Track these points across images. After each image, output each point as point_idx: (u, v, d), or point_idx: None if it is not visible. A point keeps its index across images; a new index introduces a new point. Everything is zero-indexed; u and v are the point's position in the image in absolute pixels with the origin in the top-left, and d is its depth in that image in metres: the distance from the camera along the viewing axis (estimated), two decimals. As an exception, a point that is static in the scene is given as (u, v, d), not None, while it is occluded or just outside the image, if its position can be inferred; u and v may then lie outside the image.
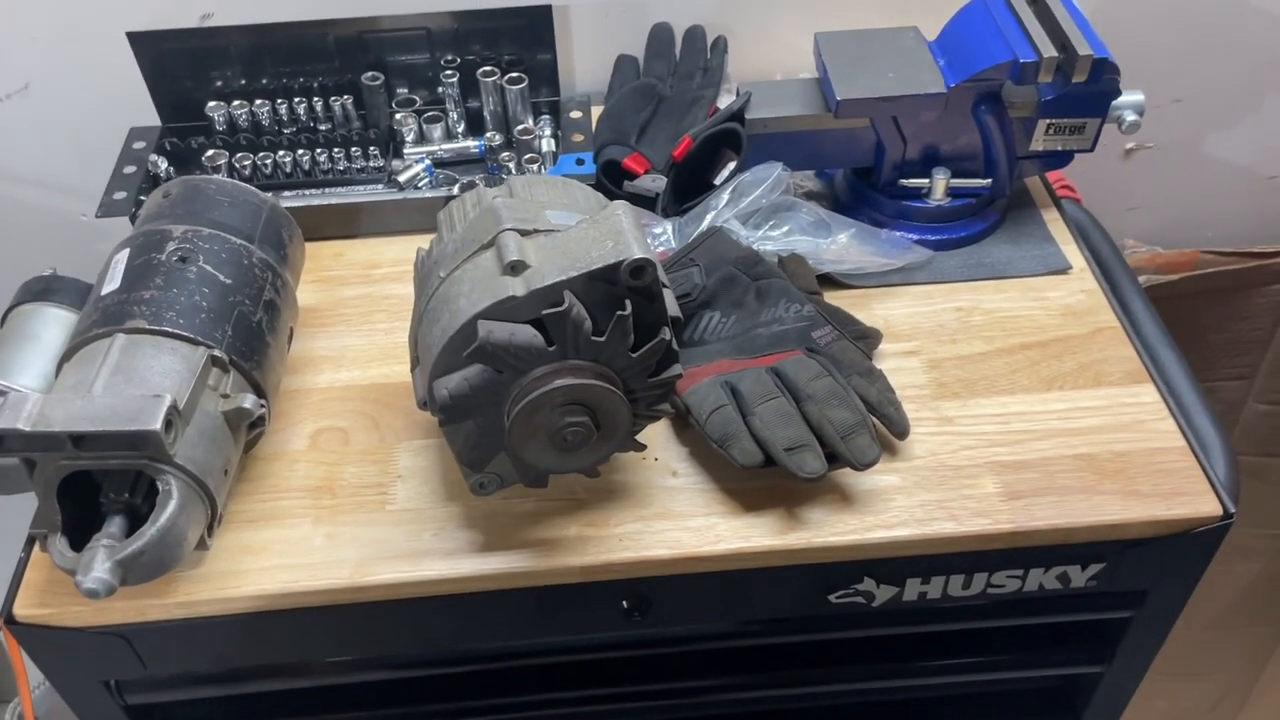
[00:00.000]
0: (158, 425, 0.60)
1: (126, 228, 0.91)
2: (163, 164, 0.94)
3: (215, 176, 0.77)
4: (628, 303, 0.63)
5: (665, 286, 0.69)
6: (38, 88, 1.05)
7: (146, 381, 0.63)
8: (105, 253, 1.05)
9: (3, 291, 1.02)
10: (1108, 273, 0.90)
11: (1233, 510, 0.70)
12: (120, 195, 0.91)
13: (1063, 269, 0.87)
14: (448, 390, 0.63)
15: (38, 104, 1.06)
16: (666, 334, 0.65)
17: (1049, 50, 0.79)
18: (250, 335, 0.70)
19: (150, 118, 1.00)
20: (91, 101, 1.05)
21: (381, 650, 0.74)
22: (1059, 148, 0.88)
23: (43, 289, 0.74)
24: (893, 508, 0.71)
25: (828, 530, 0.69)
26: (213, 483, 0.64)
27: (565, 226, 0.66)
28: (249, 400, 0.67)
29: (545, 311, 0.61)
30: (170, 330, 0.66)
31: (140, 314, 0.66)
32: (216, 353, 0.67)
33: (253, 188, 0.78)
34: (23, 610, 0.67)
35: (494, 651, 0.76)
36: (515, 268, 0.63)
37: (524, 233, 0.65)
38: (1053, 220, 0.92)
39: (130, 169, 0.94)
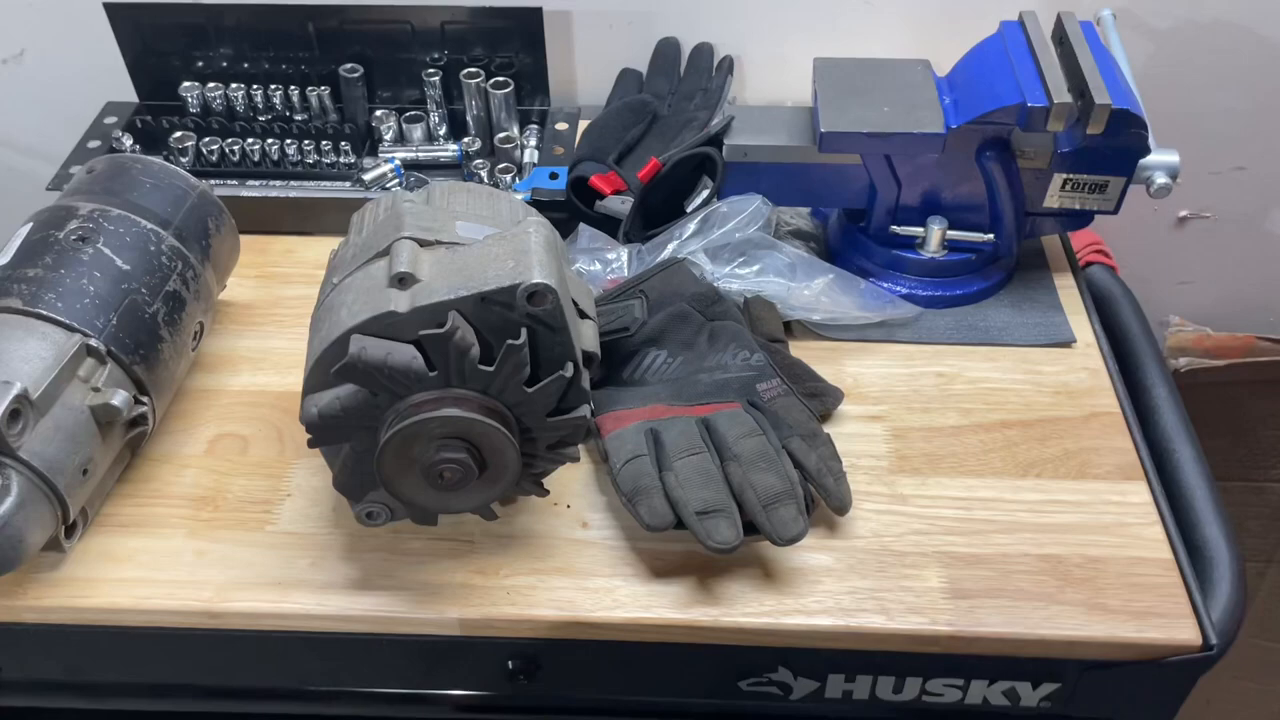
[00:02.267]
0: (-3, 414, 0.55)
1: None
2: (128, 141, 0.90)
3: (145, 156, 0.73)
4: (523, 331, 0.56)
5: (587, 317, 0.63)
6: (32, 55, 1.03)
7: (5, 365, 0.59)
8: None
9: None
10: (1126, 351, 0.80)
11: (1214, 642, 0.59)
12: (75, 169, 0.87)
13: (1066, 341, 0.78)
14: (317, 409, 0.57)
15: (32, 71, 1.03)
16: (569, 370, 0.58)
17: (1062, 95, 0.70)
18: (139, 327, 0.65)
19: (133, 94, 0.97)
20: (79, 72, 1.02)
21: (244, 681, 0.68)
22: (1076, 206, 0.79)
23: (-47, 257, 0.70)
24: (818, 591, 0.62)
25: (739, 609, 0.61)
26: (64, 482, 0.59)
27: (472, 240, 0.59)
28: (118, 397, 0.61)
29: (423, 333, 0.55)
30: (45, 313, 0.61)
31: (17, 292, 0.62)
32: (93, 342, 0.62)
33: (183, 171, 0.73)
34: None
35: (375, 694, 0.69)
36: (404, 280, 0.56)
37: (423, 243, 0.59)
38: (1066, 287, 0.82)
39: (95, 143, 0.90)
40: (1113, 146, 0.74)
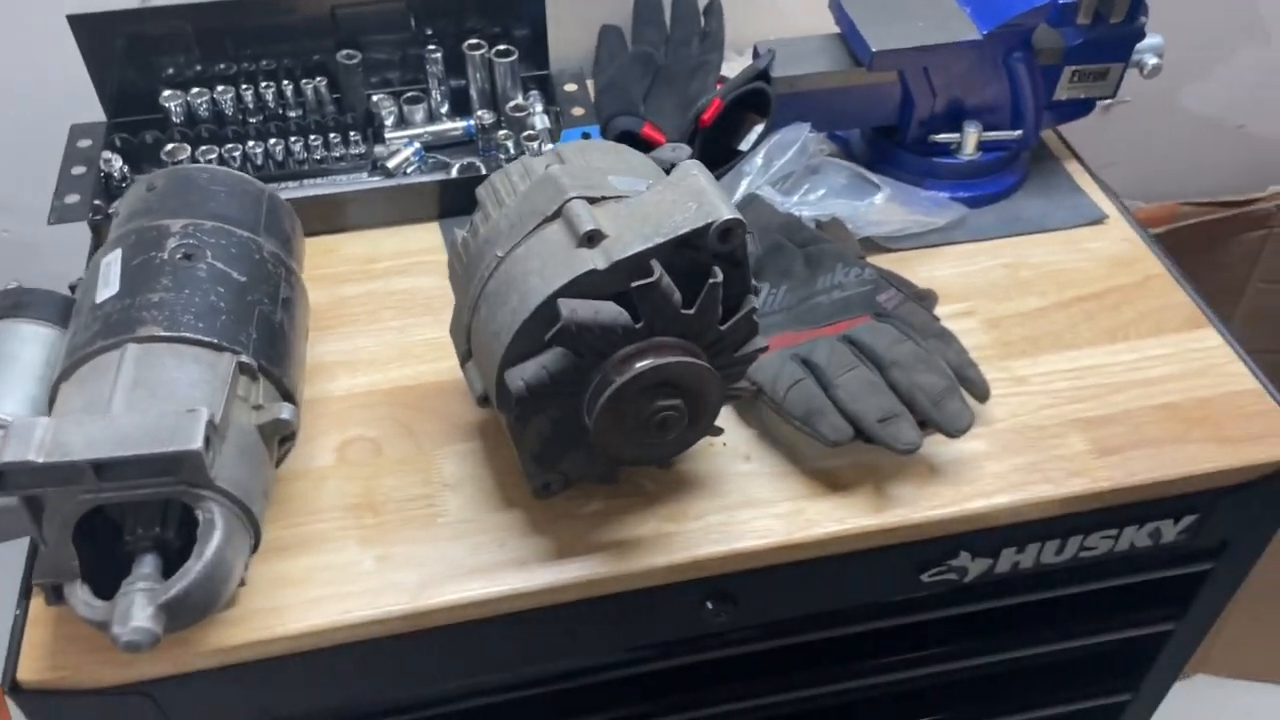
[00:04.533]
0: (198, 444, 0.51)
1: (75, 234, 0.81)
2: (116, 162, 0.83)
3: (207, 165, 0.68)
4: (717, 269, 0.57)
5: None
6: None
7: (173, 395, 0.55)
8: (47, 270, 0.94)
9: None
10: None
11: (1324, 448, 0.68)
12: (73, 199, 0.80)
13: (1098, 219, 0.85)
14: (524, 380, 0.56)
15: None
16: (753, 301, 0.59)
17: (1086, -10, 0.77)
18: (275, 337, 0.62)
19: (86, 114, 0.89)
20: (7, 101, 0.93)
21: (444, 683, 0.66)
22: (1082, 95, 0.86)
23: (11, 304, 0.64)
24: (985, 475, 0.66)
25: (923, 505, 0.65)
26: (257, 507, 0.56)
27: (634, 192, 0.59)
28: (286, 410, 0.58)
29: (635, 284, 0.55)
30: (190, 336, 0.57)
31: (152, 319, 0.57)
32: (244, 358, 0.58)
33: (248, 176, 0.69)
34: (29, 675, 0.57)
35: (560, 671, 0.69)
36: (592, 238, 0.56)
37: (591, 200, 0.58)
38: (1076, 172, 0.89)
39: (79, 169, 0.83)
40: (1116, 35, 0.81)
